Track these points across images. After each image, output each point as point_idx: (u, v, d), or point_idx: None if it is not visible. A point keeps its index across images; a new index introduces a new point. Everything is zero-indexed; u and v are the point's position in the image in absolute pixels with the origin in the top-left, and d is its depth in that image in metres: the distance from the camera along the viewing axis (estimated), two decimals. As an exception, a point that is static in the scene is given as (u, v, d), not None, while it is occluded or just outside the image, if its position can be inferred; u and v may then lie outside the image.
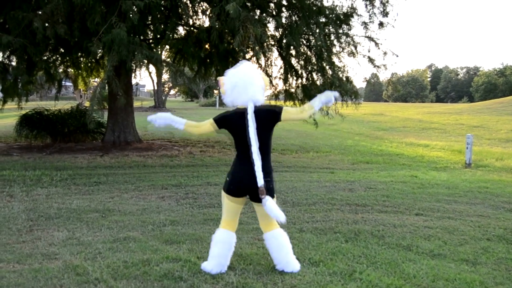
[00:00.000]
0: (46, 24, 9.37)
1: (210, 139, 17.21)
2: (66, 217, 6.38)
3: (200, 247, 5.22)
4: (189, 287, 4.15)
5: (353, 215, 6.80)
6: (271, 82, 14.50)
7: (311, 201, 7.61)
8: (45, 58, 12.41)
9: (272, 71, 14.76)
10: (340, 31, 12.89)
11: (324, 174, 10.31)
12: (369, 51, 13.41)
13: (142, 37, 12.59)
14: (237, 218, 4.74)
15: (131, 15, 9.37)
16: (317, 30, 12.02)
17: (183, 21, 11.23)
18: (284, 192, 8.19)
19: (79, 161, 11.16)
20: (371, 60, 13.29)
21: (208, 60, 14.55)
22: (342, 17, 12.65)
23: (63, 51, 12.80)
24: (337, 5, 13.05)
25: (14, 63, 12.26)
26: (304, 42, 12.96)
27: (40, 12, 9.65)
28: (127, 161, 11.12)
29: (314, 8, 12.06)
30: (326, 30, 12.68)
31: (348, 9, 12.92)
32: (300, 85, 13.73)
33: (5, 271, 4.45)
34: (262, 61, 13.95)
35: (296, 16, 12.12)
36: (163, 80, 46.68)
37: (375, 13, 12.99)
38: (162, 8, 11.52)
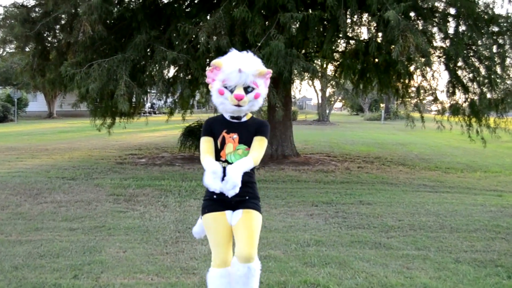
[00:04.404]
0: (208, 38, 9.64)
1: (371, 154, 16.70)
2: (212, 231, 6.39)
3: (342, 272, 4.90)
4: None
5: (521, 247, 6.03)
6: (436, 96, 13.71)
7: (472, 227, 6.89)
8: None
9: (438, 85, 13.95)
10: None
11: (491, 197, 9.37)
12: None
13: (301, 50, 12.56)
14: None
15: (289, 27, 9.36)
16: (488, 41, 11.13)
17: (341, 33, 10.96)
18: (442, 216, 7.54)
19: (236, 173, 11.27)
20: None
21: (367, 74, 14.14)
22: (517, 25, 11.57)
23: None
24: (511, 13, 11.92)
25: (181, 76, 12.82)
26: (472, 53, 12.05)
27: (203, 26, 9.95)
28: (282, 175, 11.05)
29: (485, 17, 11.19)
30: (500, 41, 11.69)
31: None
32: (467, 100, 12.78)
33: (143, 283, 4.50)
34: (427, 73, 13.23)
35: (464, 25, 11.30)
36: (328, 94, 46.71)
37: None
38: (324, 21, 11.37)
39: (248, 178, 3.53)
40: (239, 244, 3.47)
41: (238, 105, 3.43)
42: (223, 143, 3.54)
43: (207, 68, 3.56)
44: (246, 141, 3.54)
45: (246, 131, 3.56)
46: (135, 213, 7.32)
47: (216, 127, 3.59)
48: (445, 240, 6.18)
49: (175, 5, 11.84)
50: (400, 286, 4.55)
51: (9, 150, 15.80)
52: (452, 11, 11.96)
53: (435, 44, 12.41)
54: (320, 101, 46.19)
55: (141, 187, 9.29)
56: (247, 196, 3.59)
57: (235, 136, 3.54)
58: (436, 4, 11.77)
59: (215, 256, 3.60)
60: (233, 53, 3.60)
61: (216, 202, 3.59)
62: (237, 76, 3.39)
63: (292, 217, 7.27)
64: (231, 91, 3.42)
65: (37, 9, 12.40)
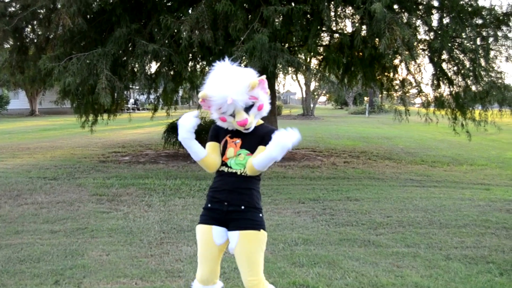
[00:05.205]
0: (191, 33, 9.46)
1: (356, 148, 16.63)
2: (198, 231, 6.24)
3: (331, 272, 4.78)
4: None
5: (511, 242, 5.94)
6: (420, 89, 13.61)
7: (461, 222, 6.81)
8: (189, 67, 12.61)
9: (422, 78, 13.88)
10: (500, 33, 11.71)
11: (478, 190, 9.32)
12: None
13: (285, 44, 12.39)
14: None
15: (272, 21, 9.22)
16: (472, 33, 11.06)
17: (325, 27, 10.83)
18: (430, 211, 7.46)
19: (220, 171, 11.11)
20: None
21: (352, 68, 14.05)
22: (501, 17, 11.52)
23: (208, 59, 12.93)
24: (495, 5, 11.89)
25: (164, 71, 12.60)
26: (456, 46, 11.98)
27: (185, 20, 9.74)
28: (267, 172, 10.88)
29: (469, 9, 11.11)
30: (484, 33, 11.63)
31: (509, 8, 11.70)
32: (452, 93, 12.71)
33: (126, 289, 4.34)
34: (412, 66, 13.13)
35: (448, 18, 11.22)
36: (313, 88, 46.57)
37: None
38: (308, 15, 11.22)
39: (244, 184, 3.23)
40: (241, 274, 3.23)
41: (245, 129, 3.18)
42: (225, 147, 3.27)
43: (198, 98, 3.19)
44: (249, 146, 3.22)
45: (252, 137, 3.24)
46: (119, 213, 7.13)
47: (222, 131, 3.31)
48: (434, 237, 6.10)
49: (156, -1, 11.64)
50: (391, 286, 4.44)
51: (-11, 149, 15.49)
52: (435, 3, 11.89)
53: (419, 37, 12.32)
54: (304, 96, 46.05)
55: (125, 186, 9.08)
56: (242, 206, 3.19)
57: (238, 141, 3.25)
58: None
59: (197, 269, 3.36)
60: (216, 75, 3.19)
61: (209, 212, 3.30)
62: (231, 106, 3.07)
63: (279, 215, 7.14)
64: (233, 115, 3.11)
65: (14, 4, 12.12)
